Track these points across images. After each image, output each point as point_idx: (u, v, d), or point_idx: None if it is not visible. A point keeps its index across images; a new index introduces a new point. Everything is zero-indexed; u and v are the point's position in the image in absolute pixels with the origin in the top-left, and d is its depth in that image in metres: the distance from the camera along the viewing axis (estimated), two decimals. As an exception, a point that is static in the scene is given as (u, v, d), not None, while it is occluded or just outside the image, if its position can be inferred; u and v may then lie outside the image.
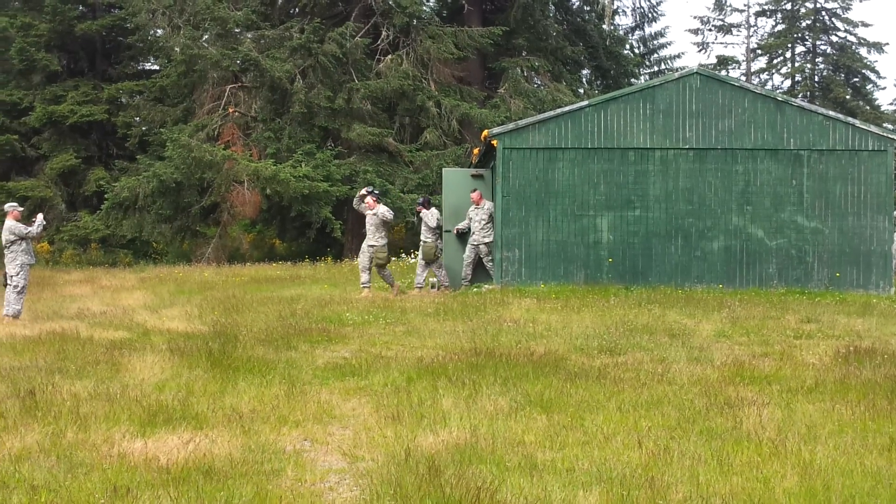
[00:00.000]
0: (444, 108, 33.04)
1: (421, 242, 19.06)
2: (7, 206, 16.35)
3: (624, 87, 25.31)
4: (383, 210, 18.41)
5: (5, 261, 15.94)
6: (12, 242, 15.93)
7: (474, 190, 19.08)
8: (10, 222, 16.00)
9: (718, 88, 19.14)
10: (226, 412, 8.84)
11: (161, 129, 33.45)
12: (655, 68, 53.01)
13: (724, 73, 54.07)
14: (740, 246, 18.98)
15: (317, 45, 31.77)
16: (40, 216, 16.49)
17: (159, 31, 38.27)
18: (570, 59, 40.09)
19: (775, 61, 61.62)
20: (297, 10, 36.19)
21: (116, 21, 38.50)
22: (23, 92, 37.62)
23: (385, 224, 18.48)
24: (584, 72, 44.38)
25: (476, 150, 21.20)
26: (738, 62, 61.21)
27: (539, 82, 38.28)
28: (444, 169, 21.51)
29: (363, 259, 18.52)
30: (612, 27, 44.98)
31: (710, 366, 10.89)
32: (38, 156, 37.54)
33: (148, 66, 42.31)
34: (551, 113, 19.48)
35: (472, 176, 19.96)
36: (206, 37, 34.82)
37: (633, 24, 51.60)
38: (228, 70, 32.96)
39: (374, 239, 18.32)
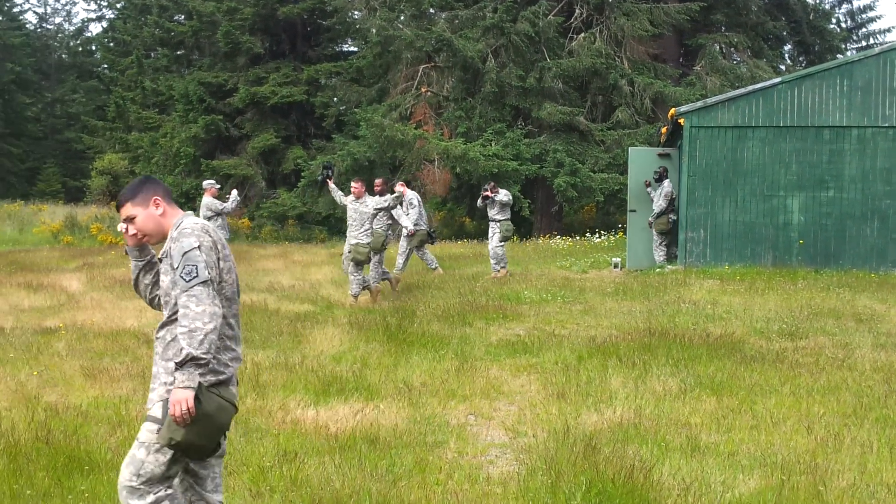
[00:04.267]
0: (637, 86, 32.49)
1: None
2: (205, 184, 17.13)
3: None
4: (376, 201, 15.29)
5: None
6: (209, 218, 16.66)
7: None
8: (207, 199, 16.75)
9: (923, 64, 18.21)
10: (397, 385, 9.07)
11: (356, 110, 34.20)
12: (863, 43, 50.78)
13: (937, 47, 51.31)
14: (942, 229, 18.07)
15: (509, 25, 31.78)
16: (234, 192, 17.19)
17: (356, 14, 39.13)
18: (772, 35, 38.80)
19: None
20: (490, -11, 36.33)
21: (316, 4, 39.46)
22: (227, 74, 39.06)
23: (372, 217, 15.16)
24: (786, 48, 42.91)
25: (664, 129, 20.84)
26: (953, 35, 57.98)
27: (738, 59, 37.22)
28: (630, 148, 21.21)
29: (347, 263, 15.50)
30: (816, 0, 43.31)
31: (896, 353, 10.46)
32: (241, 135, 38.90)
33: (345, 47, 43.32)
34: (741, 90, 18.92)
35: (659, 155, 19.66)
36: (402, 18, 35.35)
37: (840, -3, 49.56)
38: (422, 50, 33.30)
39: (359, 234, 15.04)
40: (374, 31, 34.84)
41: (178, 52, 44.00)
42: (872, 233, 18.02)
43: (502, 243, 17.97)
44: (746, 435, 7.42)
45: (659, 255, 18.82)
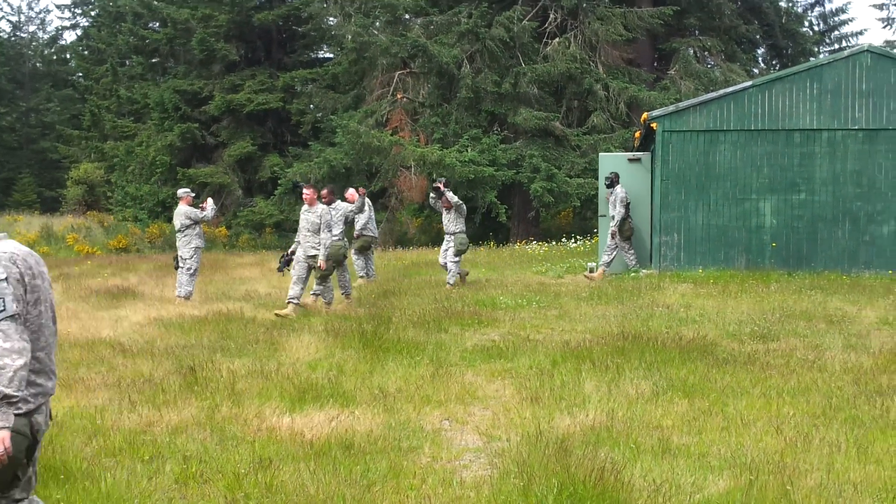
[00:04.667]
0: (612, 90, 32.67)
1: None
2: (180, 192, 17.13)
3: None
4: (328, 208, 14.88)
5: (178, 244, 16.67)
6: (187, 227, 16.65)
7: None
8: (184, 207, 16.73)
9: (891, 66, 18.35)
10: (372, 391, 9.12)
11: (332, 116, 34.25)
12: (836, 46, 51.19)
13: (909, 49, 51.65)
14: (912, 231, 18.27)
15: (484, 30, 31.91)
16: (210, 201, 17.20)
17: (331, 20, 39.21)
18: (745, 39, 39.11)
19: (966, 36, 58.47)
20: (465, -6, 36.43)
21: (291, 11, 39.57)
22: (203, 81, 39.08)
23: (331, 225, 14.73)
24: (760, 51, 43.22)
25: (637, 134, 20.99)
26: (925, 38, 58.35)
27: (712, 62, 37.47)
28: (600, 154, 21.36)
29: (299, 269, 14.81)
30: (789, 4, 43.63)
31: (866, 354, 10.60)
32: (217, 143, 38.94)
33: (321, 54, 43.40)
34: (713, 94, 19.11)
35: (629, 160, 19.79)
36: (377, 24, 35.43)
37: (813, 0, 49.94)
38: (397, 56, 33.37)
39: (316, 244, 14.60)
40: (349, 37, 34.93)
41: (153, 60, 43.95)
42: (844, 235, 18.22)
43: (457, 258, 17.61)
44: (717, 436, 7.51)
45: (630, 259, 18.85)
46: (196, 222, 16.68)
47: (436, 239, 33.63)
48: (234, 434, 7.75)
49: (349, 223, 17.25)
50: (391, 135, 31.61)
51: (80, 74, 59.24)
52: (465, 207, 17.99)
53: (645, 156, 19.79)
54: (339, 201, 16.33)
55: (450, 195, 17.61)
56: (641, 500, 5.97)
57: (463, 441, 7.63)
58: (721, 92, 19.05)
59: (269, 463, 6.85)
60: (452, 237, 17.67)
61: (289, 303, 14.54)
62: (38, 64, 71.96)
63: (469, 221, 34.87)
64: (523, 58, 32.63)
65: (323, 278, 14.77)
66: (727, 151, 18.44)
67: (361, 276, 18.60)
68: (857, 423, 7.82)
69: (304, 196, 14.80)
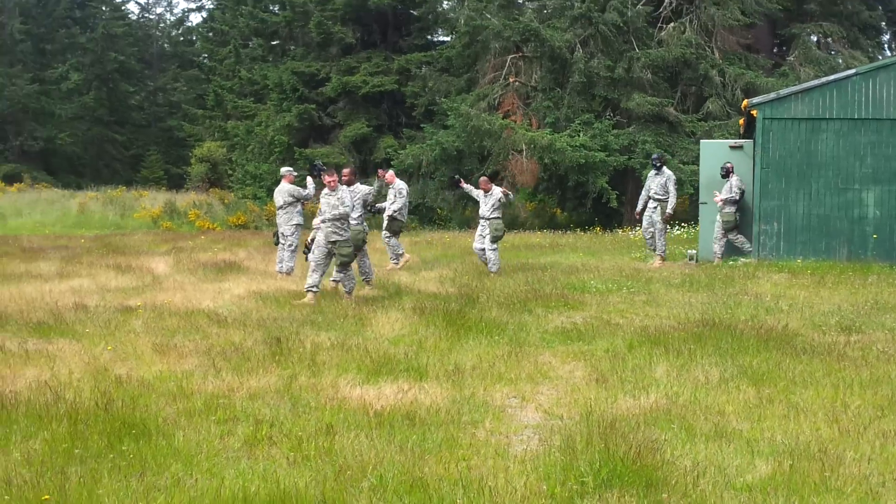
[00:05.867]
0: (728, 76, 32.28)
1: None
2: (283, 170, 17.72)
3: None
4: (348, 193, 14.51)
5: (279, 221, 17.23)
6: (290, 204, 17.20)
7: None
8: (287, 185, 17.28)
9: None
10: (447, 368, 9.43)
11: (443, 99, 34.55)
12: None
13: None
14: None
15: (598, 14, 31.83)
16: (309, 179, 17.74)
17: (446, 4, 39.55)
18: (868, 25, 38.15)
19: None
20: (579, -21, 36.32)
21: (406, -6, 40.06)
22: (320, 63, 39.79)
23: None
24: (885, 38, 42.10)
25: (742, 121, 20.81)
26: None
27: (834, 50, 36.66)
28: (702, 141, 21.25)
29: (318, 255, 14.16)
30: (917, -11, 42.37)
31: (949, 348, 10.45)
32: (334, 124, 39.61)
33: (436, 37, 43.76)
34: (815, 82, 18.86)
35: (731, 147, 19.64)
36: (490, 8, 35.59)
37: (943, -14, 48.36)
38: (510, 40, 33.53)
39: (337, 229, 14.00)
40: (462, 20, 35.16)
41: (273, 42, 44.92)
42: (950, 228, 17.83)
43: (495, 246, 17.29)
44: (776, 423, 7.58)
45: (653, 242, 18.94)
46: (298, 200, 17.22)
47: (548, 224, 33.80)
48: (307, 402, 8.14)
49: (368, 207, 16.44)
50: (503, 118, 31.80)
51: (205, 55, 60.92)
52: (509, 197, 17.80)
53: (747, 143, 19.62)
54: (358, 184, 15.93)
55: (497, 190, 17.55)
56: (678, 479, 6.14)
57: (525, 418, 7.87)
58: (823, 80, 18.79)
59: (332, 429, 7.23)
60: (488, 223, 17.33)
61: (308, 291, 13.95)
62: (165, 45, 74.25)
63: (580, 206, 35.11)
64: (637, 42, 32.45)
65: (343, 266, 14.08)
66: (829, 140, 18.17)
67: (394, 260, 18.50)
68: (919, 415, 7.82)
69: (326, 182, 14.11)
